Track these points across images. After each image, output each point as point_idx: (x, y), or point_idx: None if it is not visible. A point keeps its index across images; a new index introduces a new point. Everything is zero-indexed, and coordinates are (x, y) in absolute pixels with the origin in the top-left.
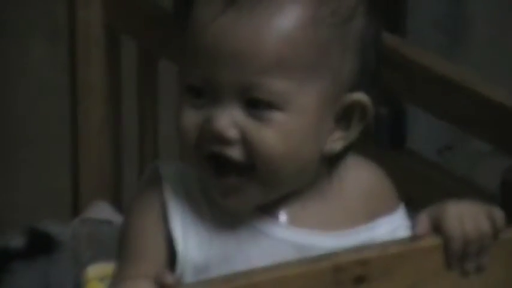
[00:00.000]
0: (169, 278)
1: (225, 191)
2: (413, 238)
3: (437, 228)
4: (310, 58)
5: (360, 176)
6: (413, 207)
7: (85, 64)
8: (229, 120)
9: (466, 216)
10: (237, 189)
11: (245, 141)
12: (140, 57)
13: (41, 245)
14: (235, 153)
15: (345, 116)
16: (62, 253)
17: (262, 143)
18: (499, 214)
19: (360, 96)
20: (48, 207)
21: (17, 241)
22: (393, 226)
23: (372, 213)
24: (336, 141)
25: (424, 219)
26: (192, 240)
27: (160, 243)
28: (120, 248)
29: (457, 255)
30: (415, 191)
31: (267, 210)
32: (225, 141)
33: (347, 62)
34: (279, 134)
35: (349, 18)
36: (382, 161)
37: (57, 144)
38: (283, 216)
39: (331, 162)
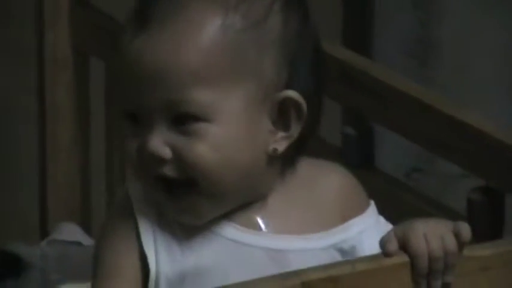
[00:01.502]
0: None
1: (177, 210)
2: (381, 256)
3: (404, 246)
4: (227, 65)
5: (331, 179)
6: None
7: (53, 86)
8: (160, 140)
9: (431, 234)
10: (188, 207)
11: (178, 158)
12: (108, 79)
13: (10, 266)
14: (171, 171)
15: (281, 115)
16: (30, 274)
17: (195, 157)
18: (464, 228)
19: (290, 93)
20: (16, 228)
21: None
22: (365, 225)
23: (344, 215)
24: (279, 142)
25: (391, 237)
26: (164, 255)
27: (134, 261)
28: (94, 268)
29: (423, 273)
30: (383, 210)
31: (237, 219)
32: (159, 161)
33: (268, 62)
34: (210, 146)
35: (262, 19)
36: None
37: (24, 166)
38: (255, 224)
39: (288, 163)
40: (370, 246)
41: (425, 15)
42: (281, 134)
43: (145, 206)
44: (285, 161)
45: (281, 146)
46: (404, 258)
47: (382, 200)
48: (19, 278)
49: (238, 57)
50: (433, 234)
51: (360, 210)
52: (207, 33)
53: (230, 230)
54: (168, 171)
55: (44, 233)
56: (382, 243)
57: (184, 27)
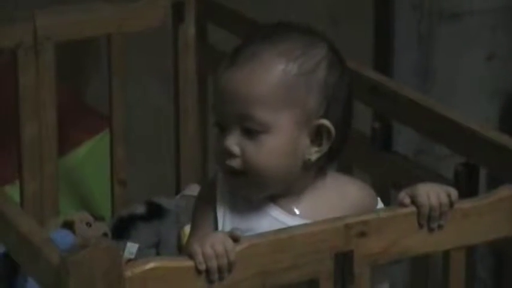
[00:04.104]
0: (238, 233)
1: (237, 188)
2: (398, 207)
3: (412, 200)
4: (283, 97)
5: (350, 189)
6: (396, 188)
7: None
8: (233, 141)
9: (431, 193)
10: (241, 187)
11: (243, 156)
12: None
13: (156, 211)
14: (237, 164)
15: (316, 136)
16: (168, 217)
17: (253, 157)
18: (453, 191)
19: (324, 122)
20: (159, 186)
21: (140, 209)
22: None
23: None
24: (312, 154)
25: (404, 195)
26: (228, 222)
27: (211, 221)
28: (192, 218)
29: (425, 218)
30: (399, 179)
31: (280, 204)
32: (230, 155)
33: (312, 98)
34: (265, 150)
35: (312, 70)
36: (376, 159)
37: (167, 145)
38: (291, 210)
39: (319, 172)
40: None
41: (426, 49)
42: (314, 148)
43: (224, 188)
44: (317, 170)
45: (313, 157)
46: (413, 208)
47: (398, 172)
48: (161, 220)
49: (292, 92)
50: (433, 193)
51: (369, 210)
52: (272, 74)
53: (274, 211)
54: (235, 163)
55: (178, 189)
56: (399, 199)
57: (257, 67)
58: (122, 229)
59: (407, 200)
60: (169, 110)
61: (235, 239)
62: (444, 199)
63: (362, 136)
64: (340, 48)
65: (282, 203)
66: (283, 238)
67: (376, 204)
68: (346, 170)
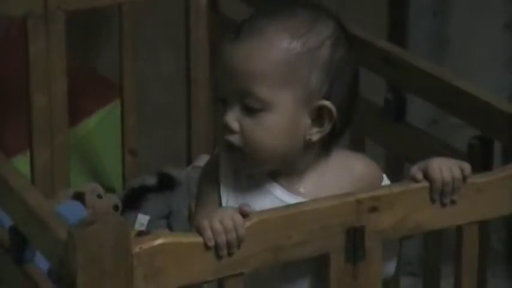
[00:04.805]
0: (247, 208)
1: (234, 162)
2: (410, 182)
3: (425, 175)
4: (285, 74)
5: (355, 166)
6: (409, 160)
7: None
8: (233, 117)
9: (444, 167)
10: (239, 162)
11: (242, 132)
12: None
13: (167, 182)
14: (236, 140)
15: (317, 116)
16: (180, 188)
17: (251, 134)
18: (466, 165)
19: (326, 103)
20: (171, 156)
21: (151, 180)
22: None
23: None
24: (313, 134)
25: (416, 170)
26: (231, 200)
27: (215, 198)
28: (196, 196)
29: (438, 193)
30: (412, 150)
31: (283, 184)
32: (230, 131)
33: (314, 77)
34: (265, 128)
35: (316, 48)
36: (389, 130)
37: (178, 115)
38: (294, 189)
39: (322, 151)
40: None
41: (441, 18)
42: (316, 129)
43: (226, 166)
44: (320, 149)
45: (314, 137)
46: (425, 183)
47: (411, 144)
48: (173, 191)
49: (294, 70)
50: (445, 167)
51: (374, 186)
52: (275, 50)
53: (277, 190)
54: (234, 139)
55: (189, 160)
56: (412, 174)
57: (260, 43)
58: (133, 200)
59: (419, 175)
60: (181, 80)
61: (245, 215)
62: (457, 173)
63: (375, 107)
64: (354, 18)
65: (284, 182)
66: (293, 213)
67: (382, 181)
68: (358, 141)
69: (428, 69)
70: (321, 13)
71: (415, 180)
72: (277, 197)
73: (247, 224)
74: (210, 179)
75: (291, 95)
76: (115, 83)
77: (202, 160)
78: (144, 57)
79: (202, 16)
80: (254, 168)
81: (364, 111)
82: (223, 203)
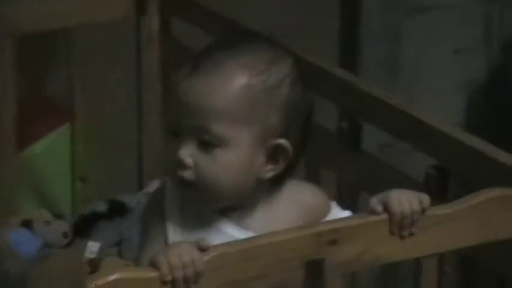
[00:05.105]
0: (205, 243)
1: (185, 198)
2: (369, 215)
3: (384, 208)
4: (242, 112)
5: (301, 196)
6: (364, 188)
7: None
8: (188, 152)
9: (403, 200)
10: (191, 198)
11: (196, 168)
12: None
13: (118, 209)
14: (189, 175)
15: (273, 154)
16: (131, 215)
17: (205, 170)
18: (425, 197)
19: (282, 142)
20: (122, 182)
21: (101, 207)
22: None
23: (309, 221)
24: (267, 172)
25: (376, 202)
26: (177, 232)
27: (161, 234)
28: (141, 231)
29: (397, 226)
30: (367, 178)
31: (233, 219)
32: (183, 166)
33: (272, 116)
34: (219, 165)
35: (276, 87)
36: (344, 158)
37: (129, 141)
38: (244, 224)
39: (274, 185)
40: None
41: (393, 45)
42: (270, 166)
43: (173, 200)
44: (272, 184)
45: (268, 175)
46: (385, 216)
47: (366, 171)
48: (124, 218)
49: (252, 108)
50: (405, 199)
51: (322, 216)
52: (233, 87)
53: (226, 226)
54: (187, 175)
55: (141, 186)
56: (371, 206)
57: (218, 79)
58: (83, 227)
59: (379, 208)
60: (132, 105)
61: (203, 249)
62: (416, 206)
63: (331, 135)
64: (306, 44)
65: (234, 218)
66: (251, 247)
67: (329, 209)
68: (313, 169)
69: (383, 98)
70: (280, 49)
71: (375, 212)
72: (226, 232)
73: (205, 258)
74: (155, 213)
75: (248, 133)
76: (64, 108)
77: (154, 186)
78: (93, 80)
79: (154, 40)
80: (206, 205)
81: (318, 139)
82: (170, 239)
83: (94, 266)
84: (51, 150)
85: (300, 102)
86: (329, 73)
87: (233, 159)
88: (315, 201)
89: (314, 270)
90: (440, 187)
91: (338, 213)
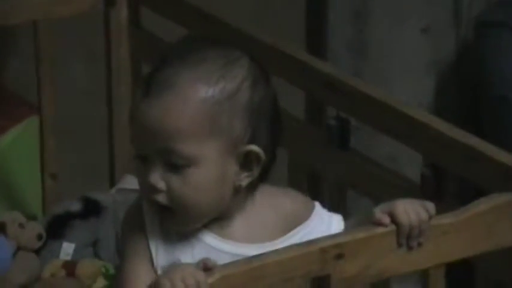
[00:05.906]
0: (210, 263)
1: (166, 222)
2: (375, 226)
3: (391, 219)
4: (205, 127)
5: (277, 201)
6: (354, 190)
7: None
8: (158, 176)
9: (410, 210)
10: (170, 221)
11: (169, 191)
12: None
13: (92, 208)
14: (163, 199)
15: (245, 162)
16: (106, 214)
17: (179, 192)
18: (430, 205)
19: (253, 147)
20: (93, 178)
21: (75, 206)
22: (309, 228)
23: (288, 227)
24: (243, 180)
25: (381, 214)
26: (161, 252)
27: (143, 246)
28: (122, 247)
29: (405, 237)
30: (355, 178)
31: (214, 230)
32: (156, 191)
33: (237, 123)
34: (191, 185)
35: (234, 93)
36: (333, 157)
37: (100, 135)
38: (225, 234)
39: (250, 193)
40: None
41: (359, 25)
42: (245, 174)
43: (151, 215)
44: (247, 191)
45: (244, 182)
46: (392, 227)
47: (355, 171)
48: (99, 217)
49: (214, 120)
50: (411, 210)
51: (303, 219)
52: (190, 104)
53: (208, 238)
54: (161, 198)
55: (112, 181)
56: (377, 218)
57: (175, 98)
58: (56, 228)
59: (386, 220)
60: (102, 98)
61: (208, 268)
62: (423, 215)
63: (321, 132)
64: (272, 28)
65: (215, 228)
66: (256, 267)
67: (312, 211)
68: (301, 169)
69: (370, 93)
70: (232, 52)
71: (381, 224)
72: (209, 244)
73: (210, 280)
74: (135, 227)
75: (215, 146)
76: (27, 100)
77: (126, 181)
78: (61, 74)
79: (123, 32)
80: (187, 227)
81: (310, 136)
82: (153, 254)
83: (70, 269)
84: (19, 144)
85: (263, 103)
86: (317, 70)
87: (206, 176)
88: (294, 206)
89: (320, 286)
90: (436, 187)
91: (321, 214)
